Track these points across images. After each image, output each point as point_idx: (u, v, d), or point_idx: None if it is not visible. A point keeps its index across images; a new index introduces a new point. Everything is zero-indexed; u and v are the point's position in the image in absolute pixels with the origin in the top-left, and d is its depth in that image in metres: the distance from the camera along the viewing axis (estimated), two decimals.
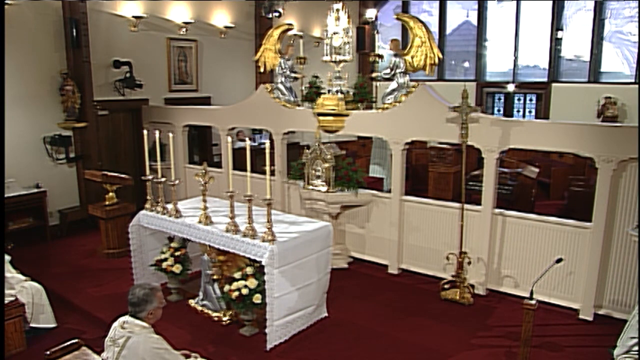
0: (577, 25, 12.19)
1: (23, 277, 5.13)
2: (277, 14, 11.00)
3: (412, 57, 6.51)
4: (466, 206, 5.74)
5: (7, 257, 5.17)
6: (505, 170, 8.84)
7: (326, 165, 6.24)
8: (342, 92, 6.47)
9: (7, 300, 4.65)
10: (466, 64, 13.98)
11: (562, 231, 5.38)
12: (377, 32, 9.12)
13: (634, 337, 3.61)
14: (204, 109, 8.79)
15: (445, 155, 9.63)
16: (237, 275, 4.83)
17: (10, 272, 5.02)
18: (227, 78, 10.85)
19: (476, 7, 13.38)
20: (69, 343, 3.59)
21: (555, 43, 12.33)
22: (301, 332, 4.93)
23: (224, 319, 5.13)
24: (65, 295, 5.81)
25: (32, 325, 5.00)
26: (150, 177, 5.58)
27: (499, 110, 13.37)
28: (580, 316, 5.25)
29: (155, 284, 3.38)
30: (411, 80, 6.85)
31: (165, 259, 5.62)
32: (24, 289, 4.98)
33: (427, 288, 5.98)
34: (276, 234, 4.57)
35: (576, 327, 5.08)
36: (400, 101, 6.28)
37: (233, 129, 8.03)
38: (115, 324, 3.23)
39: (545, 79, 12.56)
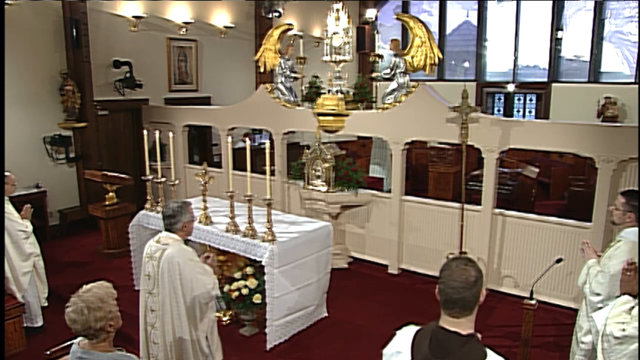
0: (577, 25, 12.17)
1: None
2: (277, 14, 11.00)
3: (412, 57, 6.51)
4: (466, 206, 5.74)
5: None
6: (505, 170, 8.84)
7: (326, 165, 6.24)
8: (342, 92, 6.47)
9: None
10: (466, 64, 13.97)
11: (562, 231, 5.37)
12: (377, 32, 9.12)
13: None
14: (204, 109, 8.79)
15: (445, 155, 9.63)
16: (237, 275, 4.83)
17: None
18: (227, 78, 10.85)
19: (476, 7, 13.36)
20: (69, 343, 3.58)
21: (555, 43, 12.31)
22: (301, 332, 4.93)
23: (224, 319, 5.12)
24: (65, 295, 5.76)
25: (28, 325, 5.00)
26: (150, 177, 5.58)
27: (499, 110, 13.36)
28: None
29: (187, 200, 3.55)
30: (411, 80, 6.85)
31: None
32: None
33: (427, 288, 5.96)
34: (276, 234, 4.57)
35: None
36: (400, 101, 6.28)
37: (233, 129, 8.03)
38: (150, 242, 3.50)
39: (545, 79, 12.53)
